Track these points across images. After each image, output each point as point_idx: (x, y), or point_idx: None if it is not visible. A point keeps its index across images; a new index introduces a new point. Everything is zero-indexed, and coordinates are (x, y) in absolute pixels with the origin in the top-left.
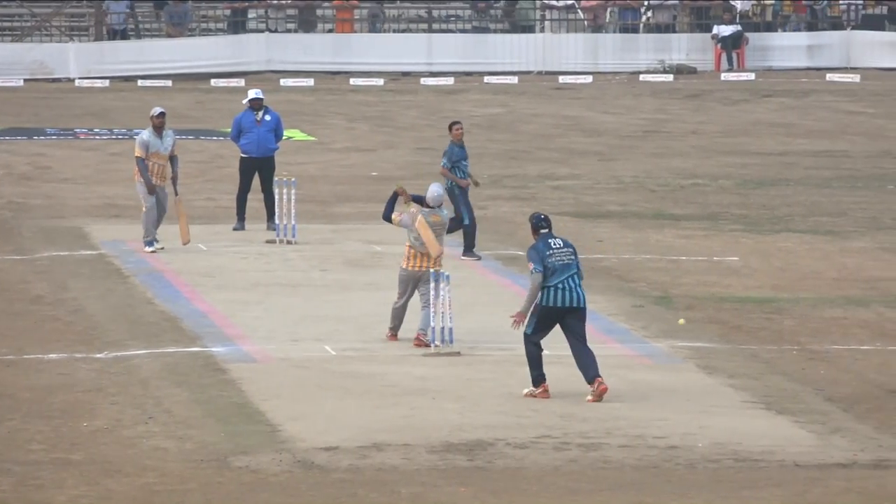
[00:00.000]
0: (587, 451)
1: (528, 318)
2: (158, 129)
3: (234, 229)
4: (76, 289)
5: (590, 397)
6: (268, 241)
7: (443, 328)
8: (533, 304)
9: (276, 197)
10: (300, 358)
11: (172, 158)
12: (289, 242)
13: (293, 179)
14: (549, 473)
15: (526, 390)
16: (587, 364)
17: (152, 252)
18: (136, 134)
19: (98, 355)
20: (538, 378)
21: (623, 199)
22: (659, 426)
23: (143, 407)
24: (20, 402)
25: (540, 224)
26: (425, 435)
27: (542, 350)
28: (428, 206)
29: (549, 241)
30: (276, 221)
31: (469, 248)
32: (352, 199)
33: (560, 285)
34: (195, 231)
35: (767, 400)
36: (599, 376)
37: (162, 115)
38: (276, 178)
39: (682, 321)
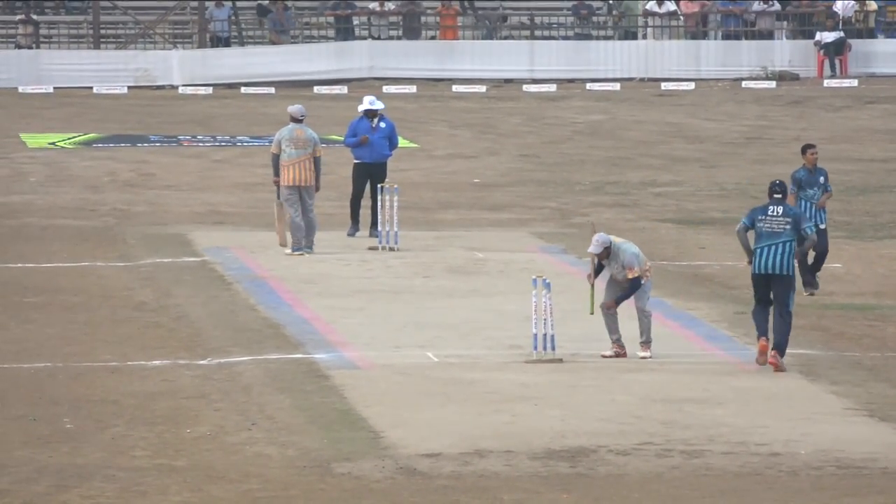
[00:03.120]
0: (689, 458)
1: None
2: None
3: (349, 235)
4: (179, 295)
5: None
6: (370, 248)
7: (545, 335)
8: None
9: (380, 203)
10: (402, 364)
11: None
12: (391, 249)
13: (395, 186)
14: (651, 480)
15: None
16: (774, 333)
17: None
18: (239, 141)
19: (201, 362)
20: (757, 335)
21: (725, 206)
22: (761, 433)
23: (246, 413)
24: (124, 409)
25: (773, 188)
26: (527, 441)
27: (766, 316)
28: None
29: (770, 207)
30: (379, 228)
31: (809, 284)
32: (454, 205)
33: (761, 251)
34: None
35: (870, 407)
36: (774, 349)
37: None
38: (378, 185)
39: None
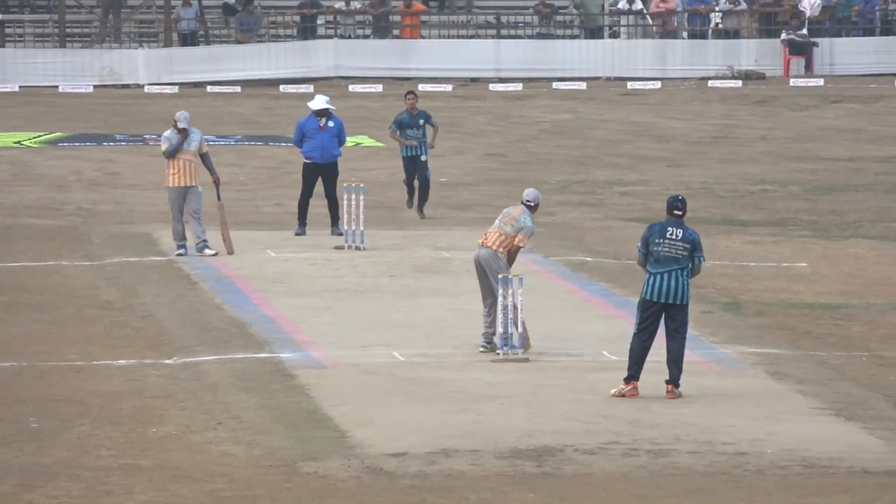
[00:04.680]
0: (656, 457)
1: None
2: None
3: (296, 234)
4: (145, 295)
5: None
6: (336, 247)
7: (511, 333)
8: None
9: (346, 203)
10: (369, 364)
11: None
12: (357, 248)
13: (362, 185)
14: (617, 480)
15: (614, 390)
16: (669, 365)
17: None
18: (205, 140)
19: (167, 361)
20: (629, 376)
21: (692, 205)
22: (728, 432)
23: (212, 413)
24: (89, 408)
25: (674, 205)
26: (493, 441)
27: (646, 348)
28: None
29: (668, 228)
30: (345, 227)
31: None
32: None
33: (660, 277)
34: (264, 237)
35: (836, 406)
36: (671, 383)
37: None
38: (345, 184)
39: None
